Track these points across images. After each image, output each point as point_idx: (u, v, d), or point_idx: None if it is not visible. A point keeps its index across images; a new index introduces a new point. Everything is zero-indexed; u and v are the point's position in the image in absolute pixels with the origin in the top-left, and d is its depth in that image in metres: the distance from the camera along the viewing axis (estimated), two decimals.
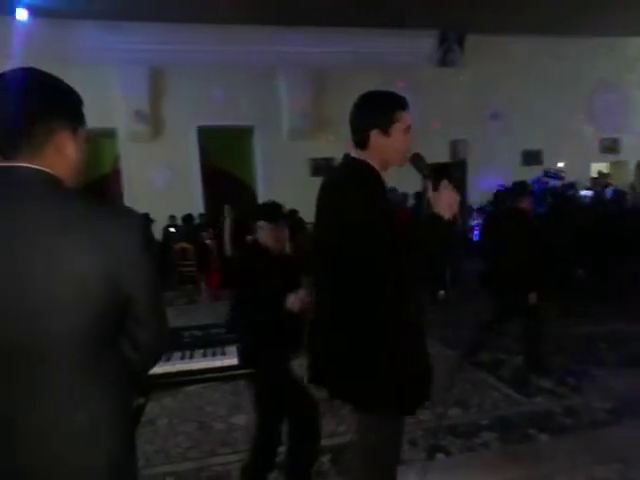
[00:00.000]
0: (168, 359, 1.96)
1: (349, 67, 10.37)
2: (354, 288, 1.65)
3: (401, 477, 2.05)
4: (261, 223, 2.42)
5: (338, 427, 3.33)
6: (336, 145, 10.43)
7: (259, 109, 10.47)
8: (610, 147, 12.14)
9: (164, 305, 1.19)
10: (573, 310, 5.79)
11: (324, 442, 3.10)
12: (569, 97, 11.51)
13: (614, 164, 12.22)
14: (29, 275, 0.94)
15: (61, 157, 1.07)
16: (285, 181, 9.82)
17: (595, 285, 6.44)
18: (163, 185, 10.55)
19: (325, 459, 2.97)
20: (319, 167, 10.41)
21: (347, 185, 1.69)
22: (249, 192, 11.52)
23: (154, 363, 1.26)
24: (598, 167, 12.26)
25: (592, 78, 11.58)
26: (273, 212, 2.47)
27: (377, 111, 1.74)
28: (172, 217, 9.78)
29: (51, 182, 1.02)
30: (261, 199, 10.95)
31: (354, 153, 1.80)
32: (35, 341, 0.96)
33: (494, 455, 2.92)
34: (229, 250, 7.32)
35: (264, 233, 2.41)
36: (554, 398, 3.72)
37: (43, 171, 1.02)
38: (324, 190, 1.82)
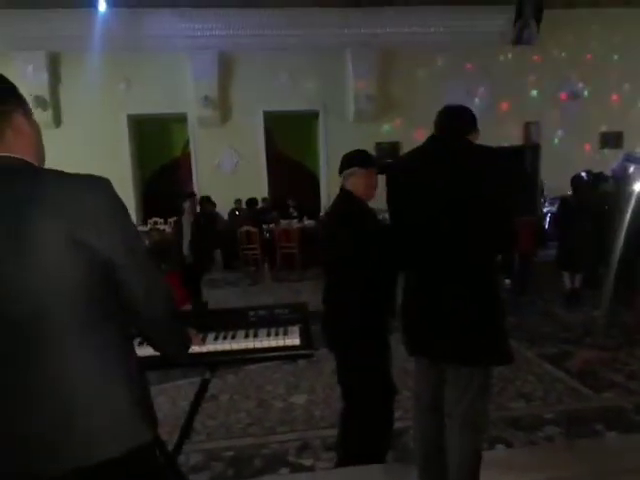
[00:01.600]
0: (233, 337, 2.04)
1: (417, 48, 10.12)
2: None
3: None
4: (354, 169, 2.44)
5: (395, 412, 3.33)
6: (402, 129, 10.31)
7: (325, 93, 10.47)
8: None
9: (151, 265, 1.17)
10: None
11: None
12: None
13: None
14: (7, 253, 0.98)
15: (21, 138, 1.10)
16: None
17: None
18: (230, 169, 10.84)
19: None
20: (384, 151, 10.28)
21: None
22: (312, 178, 11.59)
23: (167, 328, 1.24)
24: None
25: None
26: (366, 158, 2.51)
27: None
28: (238, 201, 10.02)
29: (17, 163, 1.06)
30: (323, 185, 11.02)
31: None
32: (31, 314, 1.00)
33: (557, 449, 2.82)
34: None
35: (356, 179, 2.44)
36: (625, 393, 3.54)
37: (7, 156, 1.06)
38: None
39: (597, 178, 6.85)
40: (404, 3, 9.60)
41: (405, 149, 9.91)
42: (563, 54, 10.44)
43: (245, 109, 10.73)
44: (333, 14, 9.86)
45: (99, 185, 1.07)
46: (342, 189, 2.50)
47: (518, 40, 10.37)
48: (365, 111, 10.44)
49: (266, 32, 10.07)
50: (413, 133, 9.80)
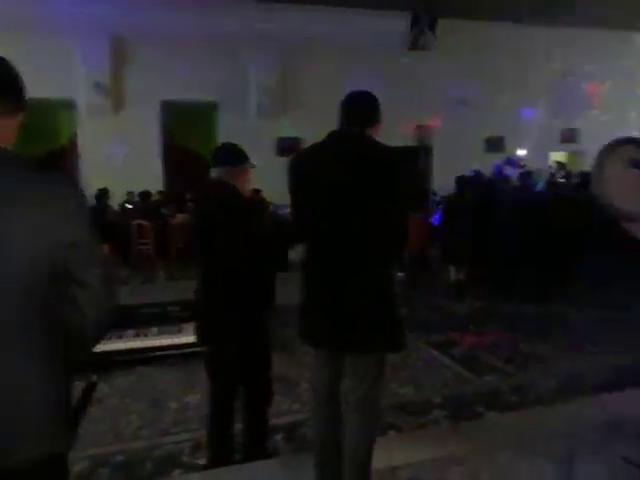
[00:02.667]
0: (120, 336, 1.91)
1: (320, 46, 10.24)
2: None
3: None
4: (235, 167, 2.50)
5: (292, 405, 3.36)
6: (304, 125, 10.39)
7: (226, 85, 10.26)
8: (569, 137, 12.44)
9: (101, 261, 1.16)
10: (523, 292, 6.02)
11: (278, 420, 3.15)
12: (533, 86, 11.70)
13: (572, 154, 12.56)
14: None
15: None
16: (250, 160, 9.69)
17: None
18: (121, 160, 10.27)
19: (279, 437, 3.00)
20: (285, 147, 10.31)
21: None
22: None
23: (98, 328, 1.20)
24: (557, 156, 12.59)
25: (554, 68, 11.80)
26: (237, 155, 2.57)
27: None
28: (130, 193, 9.55)
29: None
30: None
31: None
32: None
33: (442, 432, 3.01)
34: None
35: (235, 174, 2.47)
36: (503, 376, 3.85)
37: None
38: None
39: (478, 179, 7.42)
40: (309, 1, 9.69)
41: (306, 145, 10.03)
42: (454, 62, 11.10)
43: (141, 98, 10.21)
44: (237, 6, 9.69)
45: (66, 187, 1.12)
46: (218, 180, 2.46)
47: (414, 45, 10.89)
48: (266, 105, 10.40)
49: (164, 17, 9.64)
50: (314, 129, 9.85)
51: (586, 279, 6.56)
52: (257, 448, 2.59)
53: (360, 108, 2.13)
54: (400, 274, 6.44)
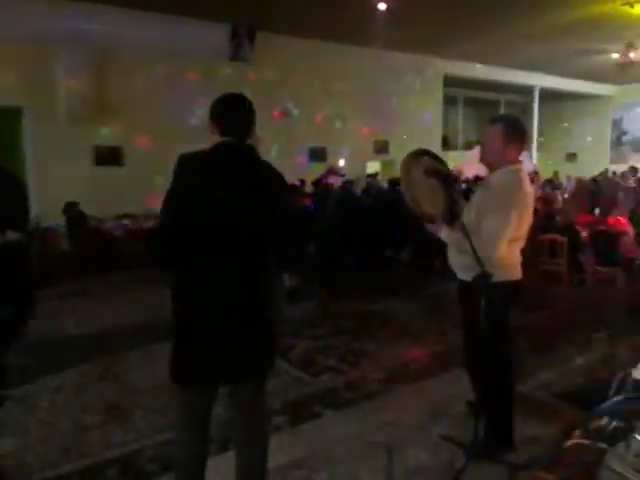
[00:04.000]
0: None
1: (138, 52, 9.72)
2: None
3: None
4: None
5: (126, 436, 3.12)
6: (123, 133, 9.78)
7: (31, 89, 9.15)
8: (381, 148, 13.68)
9: None
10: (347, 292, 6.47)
11: (110, 453, 2.90)
12: (349, 100, 12.61)
13: (385, 163, 13.83)
14: None
15: None
16: (63, 171, 8.82)
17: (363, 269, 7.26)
18: None
19: (113, 471, 2.75)
20: (104, 156, 9.59)
21: None
22: (17, 184, 10.02)
23: None
24: (373, 165, 13.74)
25: (368, 84, 12.87)
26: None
27: None
28: None
29: None
30: (33, 192, 9.65)
31: None
32: None
33: (283, 437, 3.05)
34: None
35: None
36: (337, 375, 4.05)
37: None
38: None
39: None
40: (124, 4, 9.13)
41: (127, 154, 9.46)
42: (276, 74, 11.45)
43: None
44: (44, 3, 8.72)
45: None
46: None
47: (235, 56, 10.97)
48: (79, 112, 9.53)
49: None
50: (135, 138, 9.41)
51: (401, 274, 7.33)
52: None
53: (245, 116, 2.04)
54: None
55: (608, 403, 1.81)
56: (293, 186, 7.04)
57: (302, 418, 3.31)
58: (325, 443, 2.97)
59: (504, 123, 2.62)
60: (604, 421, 1.71)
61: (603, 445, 1.58)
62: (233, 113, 2.01)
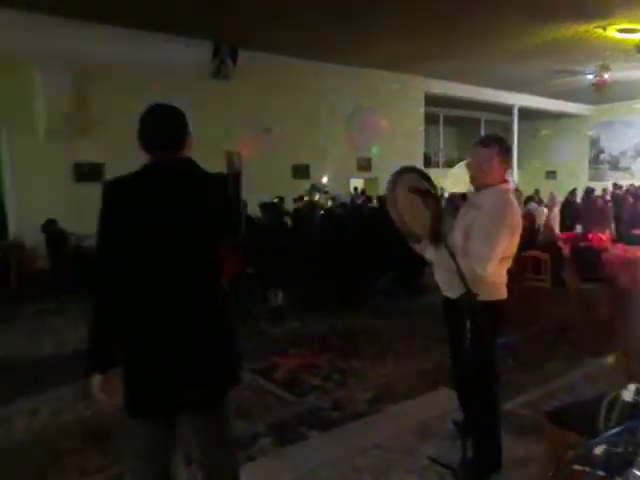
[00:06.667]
0: None
1: (122, 69, 9.69)
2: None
3: None
4: None
5: (104, 461, 3.01)
6: (105, 150, 9.67)
7: (7, 106, 9.03)
8: (364, 166, 13.76)
9: None
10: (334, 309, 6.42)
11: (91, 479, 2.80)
12: (332, 118, 12.70)
13: (368, 180, 13.90)
14: None
15: None
16: (44, 189, 8.68)
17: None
18: None
19: None
20: (85, 173, 9.46)
21: None
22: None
23: None
24: (356, 182, 13.81)
25: (350, 103, 12.99)
26: None
27: None
28: None
29: None
30: (12, 210, 9.48)
31: None
32: None
33: (269, 461, 2.98)
34: None
35: None
36: (323, 394, 3.99)
37: None
38: None
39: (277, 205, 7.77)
40: (104, 20, 9.10)
41: (109, 170, 9.32)
42: (258, 92, 11.48)
43: None
44: (17, 17, 8.65)
45: None
46: None
47: (216, 74, 10.99)
48: (60, 129, 9.42)
49: None
50: (117, 155, 9.27)
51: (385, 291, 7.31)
52: None
53: (174, 128, 1.89)
54: None
55: (608, 433, 1.78)
56: (270, 204, 7.02)
57: (287, 440, 3.24)
58: (310, 465, 2.90)
59: (498, 145, 2.65)
60: (602, 448, 1.68)
61: (602, 473, 1.55)
62: (155, 127, 1.87)
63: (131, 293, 1.78)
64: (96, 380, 1.76)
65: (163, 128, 1.86)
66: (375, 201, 10.25)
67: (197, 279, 1.83)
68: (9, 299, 7.05)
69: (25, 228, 8.30)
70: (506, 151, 2.70)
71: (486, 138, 2.81)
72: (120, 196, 1.80)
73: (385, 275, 7.59)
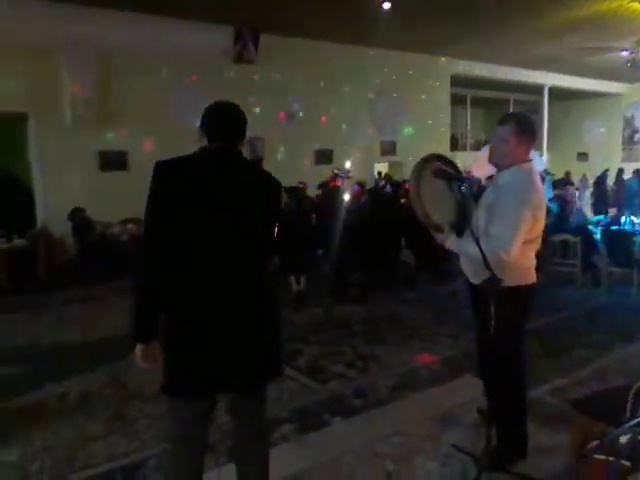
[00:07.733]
0: None
1: (141, 56, 9.71)
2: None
3: None
4: None
5: (130, 445, 3.06)
6: (129, 138, 9.77)
7: (35, 94, 9.18)
8: (389, 149, 13.58)
9: None
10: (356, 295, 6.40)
11: (114, 464, 2.84)
12: (355, 101, 12.53)
13: (392, 164, 13.73)
14: None
15: None
16: (69, 177, 8.82)
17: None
18: None
19: None
20: (109, 161, 9.58)
21: None
22: (24, 190, 10.03)
23: None
24: (380, 167, 13.65)
25: (374, 85, 12.80)
26: None
27: None
28: None
29: None
30: (40, 199, 9.69)
31: None
32: None
33: (291, 447, 2.98)
34: None
35: None
36: (346, 382, 3.97)
37: None
38: None
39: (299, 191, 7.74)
40: (127, 8, 9.13)
41: (132, 158, 9.41)
42: (280, 77, 11.40)
43: None
44: (40, 8, 8.73)
45: None
46: None
47: (239, 59, 10.92)
48: (84, 117, 9.53)
49: None
50: (141, 143, 9.37)
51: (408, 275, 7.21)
52: None
53: (238, 122, 2.01)
54: None
55: (633, 422, 1.71)
56: (292, 188, 6.99)
57: (310, 426, 3.24)
58: (333, 453, 2.89)
59: (515, 122, 2.51)
60: (627, 437, 1.62)
61: (627, 463, 1.49)
62: (221, 120, 1.98)
63: (183, 274, 1.82)
64: (139, 349, 1.88)
65: (232, 120, 2.00)
66: (392, 185, 10.05)
67: (251, 265, 1.90)
68: (38, 288, 7.22)
69: (52, 217, 8.45)
70: (524, 128, 2.51)
71: (505, 116, 2.66)
72: (176, 177, 1.83)
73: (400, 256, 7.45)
